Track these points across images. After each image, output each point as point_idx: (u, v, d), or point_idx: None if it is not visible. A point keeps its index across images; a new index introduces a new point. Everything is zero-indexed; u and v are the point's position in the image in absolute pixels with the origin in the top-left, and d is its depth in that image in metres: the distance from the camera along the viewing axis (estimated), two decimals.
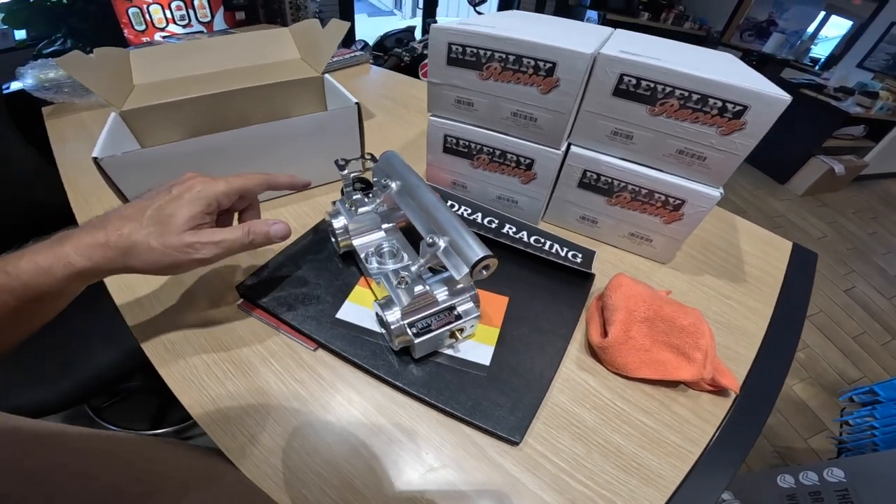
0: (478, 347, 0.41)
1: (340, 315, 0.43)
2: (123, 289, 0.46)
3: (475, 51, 0.45)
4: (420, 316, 0.38)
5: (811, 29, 3.44)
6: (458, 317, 0.38)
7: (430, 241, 0.36)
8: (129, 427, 1.10)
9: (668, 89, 0.41)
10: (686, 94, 0.40)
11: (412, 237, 0.47)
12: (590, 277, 0.48)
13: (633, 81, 0.42)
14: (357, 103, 0.58)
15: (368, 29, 1.89)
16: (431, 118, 0.54)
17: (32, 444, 0.23)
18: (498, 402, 0.37)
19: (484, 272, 0.35)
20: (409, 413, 0.38)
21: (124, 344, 0.75)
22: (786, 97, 0.38)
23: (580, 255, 0.50)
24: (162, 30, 1.27)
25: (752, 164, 3.11)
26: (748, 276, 0.54)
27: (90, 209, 0.58)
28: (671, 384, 0.41)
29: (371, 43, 1.75)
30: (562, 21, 0.59)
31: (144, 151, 0.49)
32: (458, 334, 0.39)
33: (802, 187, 2.83)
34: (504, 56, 0.44)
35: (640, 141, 0.46)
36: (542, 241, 0.51)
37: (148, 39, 1.22)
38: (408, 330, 0.37)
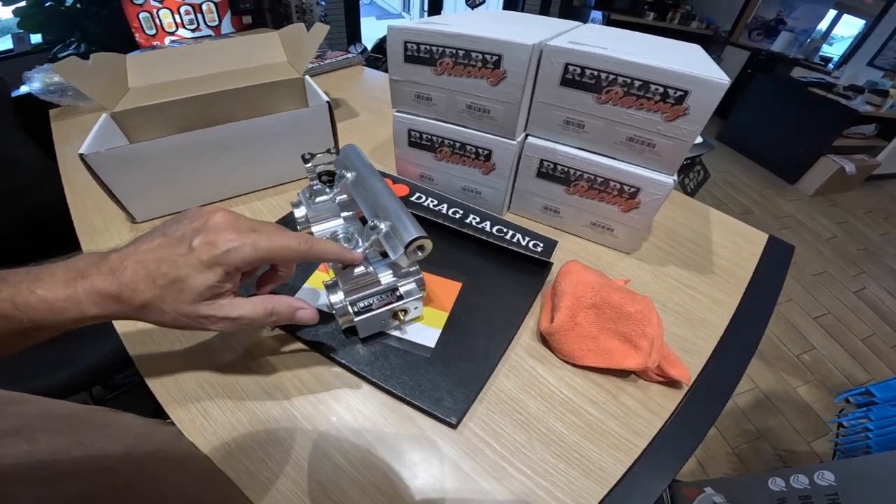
0: (425, 330, 0.41)
1: (298, 296, 0.43)
2: None
3: (428, 47, 0.46)
4: (362, 295, 0.37)
5: (821, 27, 3.36)
6: (401, 297, 0.38)
7: (373, 224, 0.36)
8: None
9: (610, 77, 0.41)
10: (628, 80, 0.40)
11: None
12: (548, 266, 0.47)
13: (578, 70, 0.42)
14: (328, 102, 0.59)
15: (377, 32, 1.91)
16: (396, 114, 0.55)
17: None
18: (439, 385, 0.37)
19: (419, 252, 0.35)
20: (355, 393, 0.38)
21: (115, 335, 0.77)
22: (724, 80, 0.37)
23: (541, 245, 0.48)
24: (171, 34, 1.29)
25: (760, 163, 3.03)
26: (717, 267, 0.52)
27: (84, 207, 0.59)
28: (621, 374, 0.39)
29: (371, 45, 1.77)
30: (528, 17, 0.59)
31: (127, 147, 0.50)
32: (401, 315, 0.39)
33: (812, 187, 2.74)
34: (454, 51, 0.45)
35: (592, 129, 0.46)
36: (505, 230, 0.50)
37: (158, 43, 1.24)
38: (349, 308, 0.37)
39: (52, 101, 0.87)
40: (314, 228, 0.47)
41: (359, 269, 0.37)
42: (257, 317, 0.32)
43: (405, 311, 0.39)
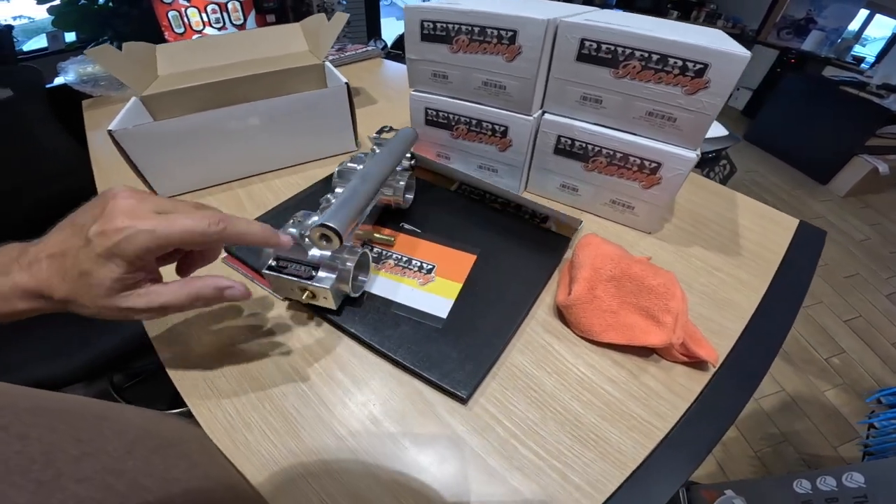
0: (437, 300, 0.39)
1: None
2: None
3: (444, 25, 0.46)
4: (287, 256, 0.36)
5: (853, 27, 3.22)
6: (311, 277, 0.35)
7: (323, 201, 0.37)
8: (149, 406, 1.11)
9: (627, 51, 0.40)
10: (646, 54, 0.39)
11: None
12: (565, 242, 0.45)
13: (594, 46, 0.41)
14: (346, 83, 0.59)
15: (396, 32, 1.92)
16: (412, 93, 0.55)
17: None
18: (449, 356, 0.35)
19: (324, 241, 0.34)
20: (363, 364, 0.36)
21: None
22: (745, 53, 0.35)
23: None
24: (199, 32, 1.31)
25: (790, 163, 2.90)
26: (743, 249, 0.49)
27: (110, 184, 0.60)
28: (642, 352, 0.37)
29: (392, 40, 1.77)
30: (544, 2, 0.56)
31: (153, 124, 0.51)
32: (307, 291, 0.36)
33: (844, 188, 2.61)
34: (470, 28, 0.44)
35: (610, 105, 0.44)
36: (526, 207, 0.49)
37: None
38: (271, 261, 0.36)
39: (84, 91, 0.89)
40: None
41: (288, 232, 0.36)
42: (181, 303, 0.29)
43: (312, 294, 0.36)
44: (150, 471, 0.23)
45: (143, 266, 0.28)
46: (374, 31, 2.09)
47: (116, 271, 0.26)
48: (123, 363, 0.81)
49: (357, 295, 0.39)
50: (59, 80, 0.96)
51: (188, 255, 0.34)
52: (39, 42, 1.43)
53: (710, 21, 3.65)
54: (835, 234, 2.29)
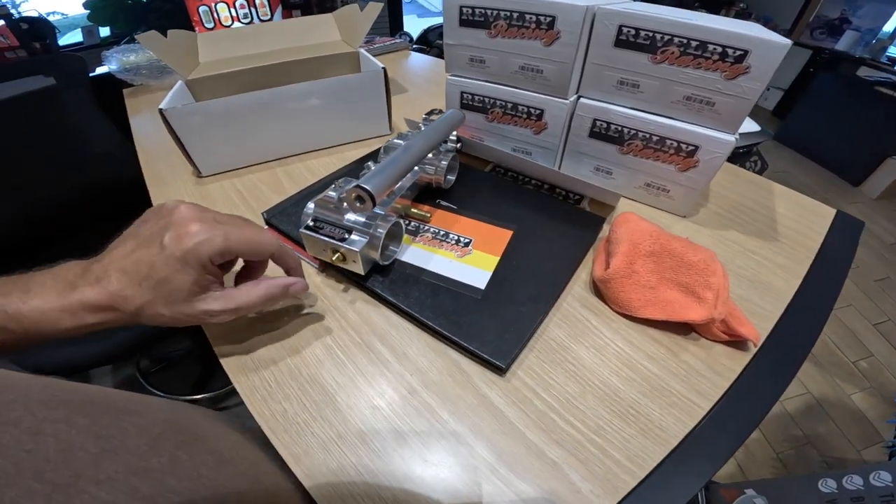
0: (475, 271, 0.40)
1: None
2: None
3: (483, 11, 0.47)
4: (324, 217, 0.37)
5: (888, 28, 3.11)
6: (343, 239, 0.36)
7: (365, 168, 0.39)
8: (172, 393, 1.12)
9: (666, 37, 0.40)
10: (684, 41, 0.39)
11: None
12: (600, 221, 0.45)
13: (633, 32, 0.41)
14: (384, 68, 0.60)
15: (418, 29, 1.94)
16: (449, 77, 0.55)
17: None
18: (488, 326, 0.35)
19: (358, 203, 0.35)
20: (400, 334, 0.37)
21: None
22: (785, 41, 0.36)
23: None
24: (228, 27, 1.35)
25: (821, 164, 2.81)
26: (781, 235, 0.48)
27: (154, 163, 0.62)
28: (681, 330, 0.36)
29: (415, 36, 1.78)
30: None
31: (200, 104, 0.53)
32: (338, 253, 0.37)
33: (877, 190, 2.51)
34: (509, 14, 0.45)
35: (647, 89, 0.44)
36: (565, 191, 0.49)
37: None
38: (308, 219, 0.38)
39: (126, 79, 0.92)
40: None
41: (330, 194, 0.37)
42: (255, 303, 0.31)
43: (342, 256, 0.37)
44: (176, 469, 0.22)
45: (212, 271, 0.29)
46: (396, 27, 2.11)
47: (193, 274, 0.28)
48: (151, 346, 0.83)
49: (386, 263, 0.40)
50: (100, 70, 0.99)
51: (242, 272, 0.35)
52: (75, 37, 1.48)
53: (740, 19, 3.57)
54: (866, 236, 2.21)
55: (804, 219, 0.51)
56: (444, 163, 0.47)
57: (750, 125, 1.09)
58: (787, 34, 3.41)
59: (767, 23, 3.58)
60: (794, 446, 1.21)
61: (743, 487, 0.95)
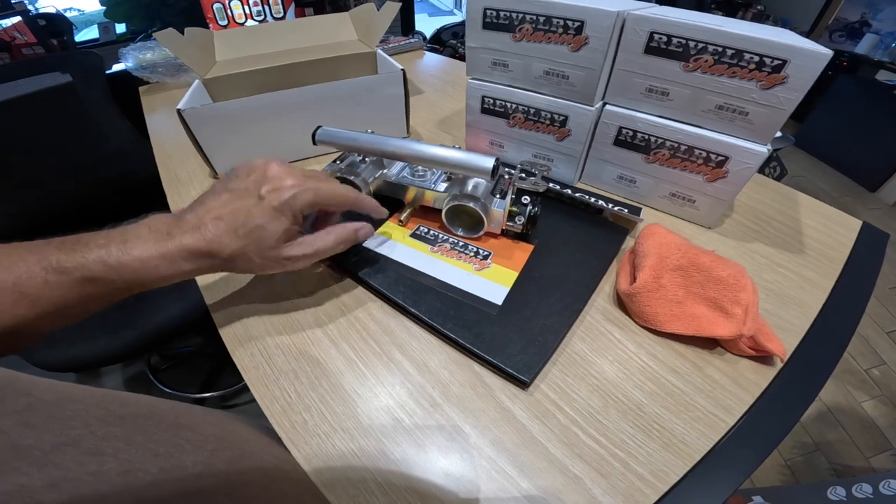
0: (492, 286, 0.39)
1: (368, 244, 0.43)
2: None
3: (508, 14, 0.46)
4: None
5: None
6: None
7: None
8: (181, 390, 1.13)
9: (700, 45, 0.39)
10: (720, 49, 0.38)
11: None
12: (624, 233, 0.44)
13: (664, 39, 0.40)
14: (402, 70, 0.59)
15: (429, 28, 1.92)
16: (470, 81, 0.54)
17: None
18: (511, 340, 0.35)
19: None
20: (421, 345, 0.36)
21: (189, 297, 0.80)
22: (826, 51, 0.35)
23: (626, 210, 0.46)
24: (241, 24, 1.35)
25: (838, 169, 2.77)
26: (807, 248, 0.47)
27: (171, 162, 0.62)
28: (706, 344, 0.36)
29: (428, 35, 1.77)
30: None
31: (218, 105, 0.53)
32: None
33: (894, 196, 2.47)
34: (535, 17, 0.44)
35: (677, 97, 0.43)
36: (587, 197, 0.48)
37: None
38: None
39: (142, 77, 0.92)
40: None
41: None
42: (329, 247, 0.34)
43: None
44: (230, 491, 0.21)
45: (299, 221, 0.33)
46: (409, 26, 2.10)
47: (285, 223, 0.31)
48: (165, 343, 0.83)
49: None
50: (117, 67, 0.99)
51: (321, 219, 0.39)
52: (91, 33, 1.48)
53: (758, 22, 3.51)
54: None
55: (830, 230, 0.50)
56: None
57: None
58: (805, 37, 3.37)
59: (785, 25, 3.53)
60: (804, 453, 1.20)
61: (751, 495, 0.94)
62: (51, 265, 0.25)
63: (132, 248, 0.27)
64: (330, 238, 0.34)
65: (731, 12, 3.52)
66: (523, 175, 0.43)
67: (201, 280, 0.42)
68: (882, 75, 2.92)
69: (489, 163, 0.38)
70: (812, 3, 3.35)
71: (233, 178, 0.32)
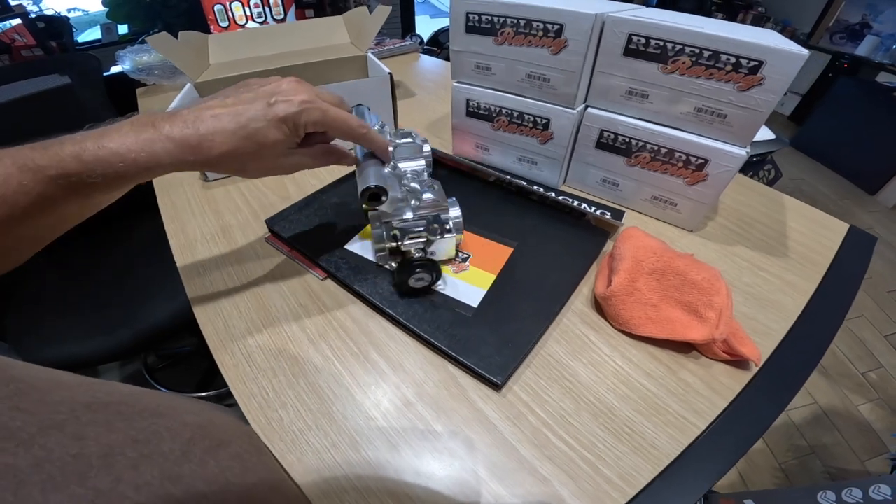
0: (469, 289, 0.39)
1: (349, 246, 0.44)
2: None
3: (490, 18, 0.46)
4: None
5: None
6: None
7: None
8: (177, 390, 1.11)
9: (677, 47, 0.39)
10: (697, 51, 0.38)
11: None
12: (604, 237, 0.44)
13: (643, 41, 0.40)
14: (389, 73, 0.59)
15: (431, 29, 1.92)
16: (455, 84, 0.54)
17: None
18: (485, 342, 0.35)
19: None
20: (398, 346, 0.36)
21: (181, 297, 0.79)
22: (802, 51, 0.34)
23: (608, 214, 0.47)
24: (242, 26, 1.35)
25: (837, 171, 2.74)
26: (791, 251, 0.47)
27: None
28: (681, 348, 0.36)
29: (427, 38, 1.77)
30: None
31: None
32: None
33: (894, 199, 2.45)
34: (516, 21, 0.44)
35: (657, 100, 0.43)
36: (570, 200, 0.48)
37: None
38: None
39: (139, 79, 0.93)
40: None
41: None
42: (316, 159, 0.35)
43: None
44: (206, 475, 0.21)
45: (300, 136, 0.32)
46: (408, 27, 2.10)
47: (287, 133, 0.31)
48: (159, 343, 0.83)
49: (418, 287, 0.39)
50: (115, 69, 1.00)
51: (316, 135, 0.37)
52: (94, 34, 1.49)
53: (758, 24, 3.48)
54: (880, 246, 2.15)
55: (815, 233, 0.50)
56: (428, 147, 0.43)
57: (765, 133, 1.07)
58: (806, 38, 3.34)
59: (786, 27, 3.50)
60: (798, 456, 1.19)
61: (742, 498, 0.93)
62: (26, 165, 0.25)
63: (108, 142, 0.26)
64: (319, 151, 0.35)
65: (731, 14, 3.50)
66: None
67: (185, 276, 0.43)
68: (882, 77, 2.89)
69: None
70: (813, 5, 3.32)
71: (242, 88, 0.32)
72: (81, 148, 0.26)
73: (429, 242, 0.38)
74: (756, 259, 0.45)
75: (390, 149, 0.39)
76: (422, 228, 0.37)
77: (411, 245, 0.37)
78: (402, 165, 0.40)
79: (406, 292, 0.38)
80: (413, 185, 0.38)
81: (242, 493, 0.23)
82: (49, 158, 0.25)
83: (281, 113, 0.30)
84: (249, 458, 0.26)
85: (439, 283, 0.39)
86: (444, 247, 0.39)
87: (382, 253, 0.39)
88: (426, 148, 0.42)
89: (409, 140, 0.41)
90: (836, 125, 2.76)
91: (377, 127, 0.42)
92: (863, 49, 3.06)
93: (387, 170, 0.37)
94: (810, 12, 3.35)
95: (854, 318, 1.64)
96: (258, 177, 0.34)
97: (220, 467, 0.23)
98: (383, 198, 0.34)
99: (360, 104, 0.43)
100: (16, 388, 0.17)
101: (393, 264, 0.40)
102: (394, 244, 0.38)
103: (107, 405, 0.20)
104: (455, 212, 0.38)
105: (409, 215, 0.37)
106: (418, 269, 0.36)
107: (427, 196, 0.37)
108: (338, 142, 0.37)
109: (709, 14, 3.41)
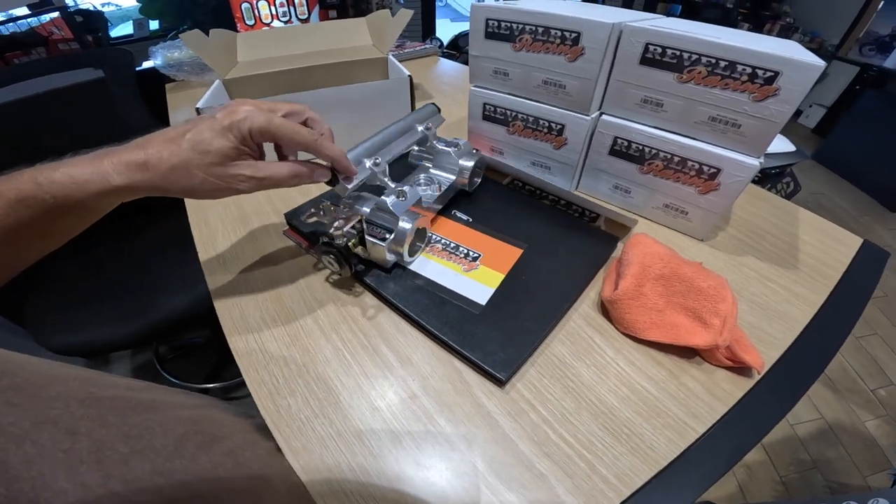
0: (478, 287, 0.40)
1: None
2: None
3: (509, 25, 0.46)
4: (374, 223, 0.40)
5: None
6: (384, 239, 0.38)
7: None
8: (186, 380, 1.13)
9: (693, 56, 0.39)
10: (713, 60, 0.38)
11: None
12: (615, 241, 0.45)
13: (659, 50, 0.40)
14: (409, 76, 0.60)
15: (451, 33, 1.93)
16: (472, 88, 0.55)
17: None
18: (492, 339, 0.35)
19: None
20: (407, 340, 0.37)
21: (199, 288, 0.80)
22: (818, 62, 0.34)
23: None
24: (268, 25, 1.38)
25: (860, 186, 2.66)
26: (801, 263, 0.46)
27: None
28: (685, 353, 0.36)
29: (446, 41, 1.78)
30: (608, 7, 0.55)
31: None
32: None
33: None
34: (534, 28, 0.45)
35: (671, 108, 0.43)
36: (578, 206, 0.48)
37: None
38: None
39: (169, 74, 0.96)
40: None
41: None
42: (282, 177, 0.33)
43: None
44: (197, 471, 0.22)
45: (250, 145, 0.32)
46: (429, 30, 2.11)
47: (234, 142, 0.30)
48: (174, 332, 0.84)
49: (411, 260, 0.41)
50: (146, 64, 1.03)
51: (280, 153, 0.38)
52: (126, 29, 1.53)
53: (786, 34, 3.38)
54: None
55: (828, 247, 0.49)
56: (469, 163, 0.47)
57: (785, 145, 1.04)
58: (835, 50, 3.25)
59: (814, 38, 3.40)
60: (800, 470, 1.17)
61: None
62: None
63: (63, 166, 0.27)
64: (284, 169, 0.33)
65: (758, 25, 3.41)
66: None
67: (205, 265, 0.44)
68: None
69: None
70: (843, 16, 3.22)
71: (197, 118, 0.32)
72: (38, 171, 0.27)
73: (360, 239, 0.39)
74: (765, 270, 0.45)
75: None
76: (351, 223, 0.38)
77: (336, 231, 0.38)
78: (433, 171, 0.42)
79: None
80: (404, 187, 0.40)
81: (234, 489, 0.24)
82: (8, 182, 0.26)
83: (226, 122, 0.30)
84: (243, 453, 0.27)
85: (448, 279, 0.41)
86: (373, 249, 0.40)
87: (314, 220, 0.40)
88: (464, 163, 0.47)
89: (451, 149, 0.46)
90: (861, 139, 2.67)
91: (423, 129, 0.46)
92: (892, 61, 2.96)
93: (368, 164, 0.39)
94: (840, 23, 3.24)
95: (867, 335, 1.60)
96: (216, 196, 0.32)
97: (212, 463, 0.23)
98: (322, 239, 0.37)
99: (431, 102, 0.47)
100: (10, 383, 0.17)
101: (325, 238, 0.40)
102: (326, 221, 0.39)
103: (101, 400, 0.20)
104: (403, 225, 0.38)
105: (365, 209, 0.39)
106: (330, 255, 0.38)
107: (388, 199, 0.39)
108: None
109: (734, 24, 3.33)
